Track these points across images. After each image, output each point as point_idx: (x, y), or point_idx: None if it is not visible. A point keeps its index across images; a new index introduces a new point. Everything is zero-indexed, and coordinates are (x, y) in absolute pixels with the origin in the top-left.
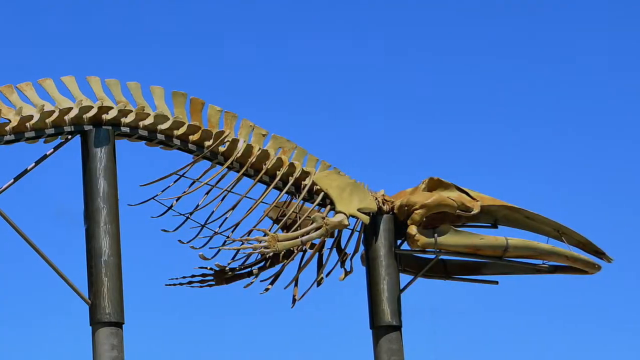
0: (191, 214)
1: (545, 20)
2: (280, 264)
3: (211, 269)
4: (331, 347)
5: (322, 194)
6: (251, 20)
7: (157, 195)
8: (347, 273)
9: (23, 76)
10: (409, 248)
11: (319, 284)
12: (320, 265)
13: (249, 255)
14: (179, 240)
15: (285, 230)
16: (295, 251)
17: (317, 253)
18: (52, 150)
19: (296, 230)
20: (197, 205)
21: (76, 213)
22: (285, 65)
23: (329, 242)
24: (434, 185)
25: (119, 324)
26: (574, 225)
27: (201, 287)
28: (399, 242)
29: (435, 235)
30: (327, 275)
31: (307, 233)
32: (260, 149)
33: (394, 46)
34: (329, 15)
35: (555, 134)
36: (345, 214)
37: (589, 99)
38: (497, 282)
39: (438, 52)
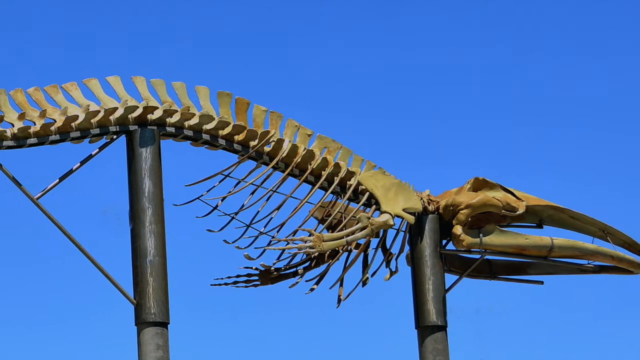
0: (236, 214)
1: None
2: (326, 264)
3: (256, 269)
4: (376, 347)
5: (367, 194)
6: (295, 20)
7: (202, 195)
8: (392, 273)
9: (68, 76)
10: (454, 248)
11: (364, 284)
12: (365, 265)
13: (294, 255)
14: (224, 240)
15: (330, 230)
16: (341, 251)
17: (363, 253)
18: (97, 150)
19: (341, 230)
20: (243, 205)
21: (121, 213)
22: (331, 65)
23: (374, 242)
24: (480, 185)
25: (164, 324)
26: (619, 225)
27: (246, 287)
28: (444, 242)
29: (481, 235)
30: (372, 275)
31: (353, 233)
32: (305, 149)
33: (441, 43)
34: (372, 16)
35: (601, 134)
36: (390, 214)
37: (636, 97)
38: (542, 282)
39: (488, 50)
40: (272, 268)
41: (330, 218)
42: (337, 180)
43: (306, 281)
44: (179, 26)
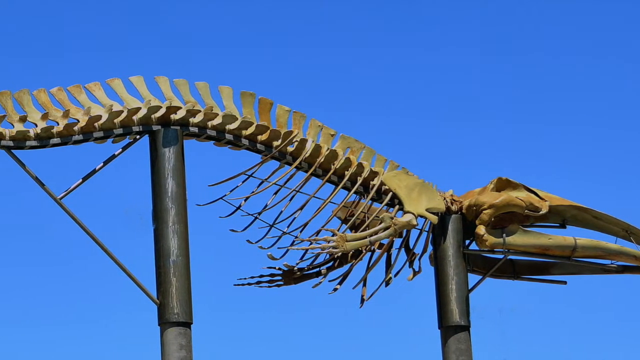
0: (259, 214)
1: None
2: (349, 264)
3: (279, 268)
4: (399, 347)
5: (390, 194)
6: (318, 20)
7: (225, 195)
8: (415, 273)
9: (91, 76)
10: (477, 248)
11: (387, 284)
12: (388, 265)
13: (317, 255)
14: (248, 240)
15: (353, 230)
16: (364, 251)
17: (386, 253)
18: (120, 150)
19: (365, 230)
20: (266, 205)
21: (144, 213)
22: (354, 65)
23: (398, 242)
24: (503, 185)
25: (187, 324)
26: None
27: (269, 287)
28: (467, 242)
29: (504, 235)
30: (395, 275)
31: (376, 233)
32: (328, 148)
33: (464, 43)
34: (395, 15)
35: (626, 133)
36: (413, 214)
37: None
38: (565, 282)
39: (511, 49)
40: (295, 268)
41: (354, 218)
42: (360, 180)
43: (329, 281)
44: (202, 26)
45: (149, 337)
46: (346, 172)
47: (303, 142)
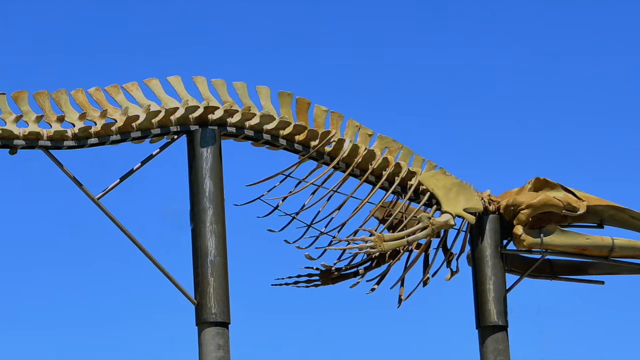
0: (297, 214)
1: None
2: (387, 264)
3: (317, 269)
4: (437, 347)
5: (428, 194)
6: (356, 20)
7: (263, 195)
8: (453, 273)
9: (129, 76)
10: (515, 248)
11: (425, 284)
12: (426, 265)
13: (355, 255)
14: (285, 240)
15: (391, 230)
16: (402, 251)
17: (423, 253)
18: (158, 150)
19: (402, 230)
20: (303, 205)
21: (182, 213)
22: (392, 65)
23: (435, 242)
24: (540, 185)
25: (224, 324)
26: None
27: (307, 287)
28: (505, 242)
29: (542, 235)
30: (433, 275)
31: (414, 233)
32: (366, 148)
33: (504, 44)
34: (433, 16)
35: None
36: (451, 214)
37: None
38: (603, 282)
39: (551, 48)
40: (333, 268)
41: (391, 218)
42: (397, 180)
43: (367, 281)
44: (241, 27)
45: (186, 337)
46: (384, 172)
47: (341, 142)
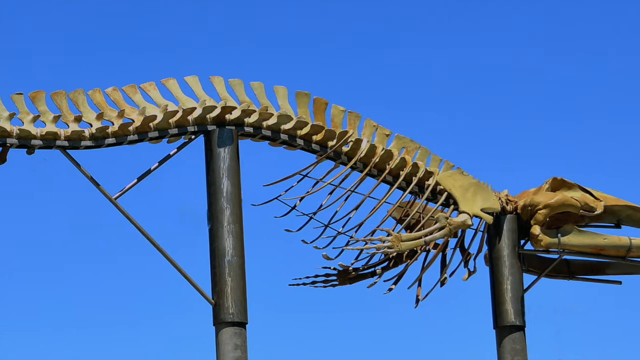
0: (315, 214)
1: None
2: (404, 264)
3: (334, 268)
4: (454, 347)
5: (445, 194)
6: (372, 21)
7: (280, 195)
8: (470, 273)
9: (147, 76)
10: (532, 248)
11: (442, 284)
12: (443, 265)
13: (372, 255)
14: (303, 240)
15: (408, 230)
16: (419, 251)
17: (441, 253)
18: (175, 150)
19: (420, 230)
20: (321, 205)
21: (199, 213)
22: (409, 65)
23: (453, 242)
24: (558, 185)
25: (242, 324)
26: None
27: (324, 287)
28: (522, 242)
29: (559, 235)
30: (450, 275)
31: (431, 233)
32: (383, 148)
33: (519, 43)
34: (449, 16)
35: None
36: (468, 214)
37: None
38: (620, 282)
39: (567, 48)
40: (351, 268)
41: (409, 218)
42: (415, 180)
43: (384, 281)
44: (258, 26)
45: (204, 337)
46: (401, 172)
47: (358, 142)
